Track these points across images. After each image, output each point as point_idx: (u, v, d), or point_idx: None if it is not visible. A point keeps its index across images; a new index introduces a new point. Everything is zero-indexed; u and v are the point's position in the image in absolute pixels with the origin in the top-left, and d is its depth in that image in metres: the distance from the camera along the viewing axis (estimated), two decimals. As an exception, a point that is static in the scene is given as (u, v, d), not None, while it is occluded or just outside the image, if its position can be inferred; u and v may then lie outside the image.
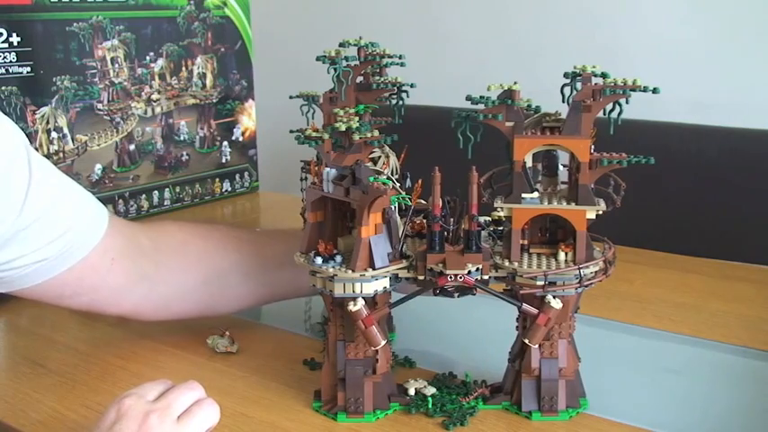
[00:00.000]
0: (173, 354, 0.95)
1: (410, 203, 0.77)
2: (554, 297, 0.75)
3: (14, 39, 1.35)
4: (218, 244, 0.96)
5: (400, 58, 0.94)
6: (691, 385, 0.87)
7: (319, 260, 0.76)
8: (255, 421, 0.79)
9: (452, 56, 2.01)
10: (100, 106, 1.50)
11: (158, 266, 0.91)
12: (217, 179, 1.73)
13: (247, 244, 0.97)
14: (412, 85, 0.93)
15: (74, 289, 0.86)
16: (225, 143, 1.74)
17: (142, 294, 0.91)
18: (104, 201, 1.50)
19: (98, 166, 1.50)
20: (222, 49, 1.70)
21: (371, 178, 0.72)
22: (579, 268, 0.75)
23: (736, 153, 1.48)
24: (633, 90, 0.74)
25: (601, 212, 0.76)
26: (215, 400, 0.83)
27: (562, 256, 0.77)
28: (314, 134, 0.78)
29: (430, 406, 0.79)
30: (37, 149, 1.40)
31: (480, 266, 0.75)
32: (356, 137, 0.77)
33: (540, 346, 0.78)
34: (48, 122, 1.41)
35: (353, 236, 0.77)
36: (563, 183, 0.81)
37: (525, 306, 0.76)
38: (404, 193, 0.74)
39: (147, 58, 1.57)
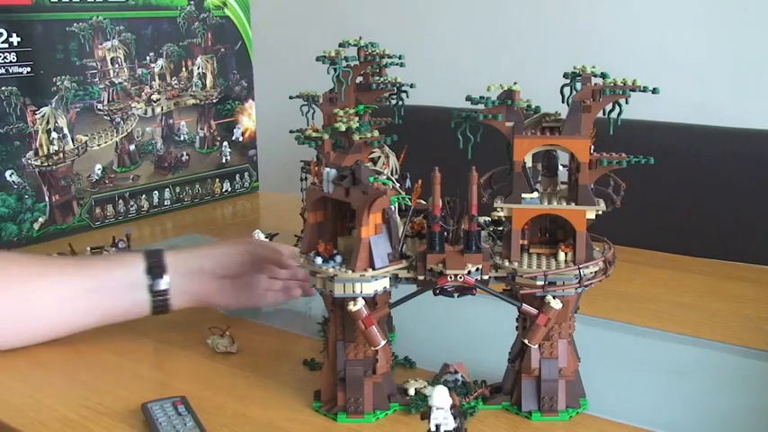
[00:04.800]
0: (173, 354, 0.95)
1: (410, 204, 0.77)
2: (554, 297, 0.75)
3: (14, 39, 1.35)
4: (24, 271, 0.95)
5: (400, 58, 0.94)
6: (691, 385, 0.87)
7: (319, 260, 0.76)
8: (255, 421, 0.79)
9: (452, 56, 2.01)
10: (100, 106, 1.50)
11: None
12: (217, 179, 1.73)
13: (61, 269, 0.96)
14: (412, 86, 0.93)
15: None
16: (225, 143, 1.74)
17: None
18: (104, 201, 1.52)
19: (98, 166, 1.50)
20: (222, 50, 1.70)
21: (371, 178, 0.72)
22: (579, 268, 0.75)
23: (736, 153, 1.48)
24: (633, 90, 0.74)
25: (601, 212, 0.76)
26: (215, 399, 0.83)
27: (562, 256, 0.77)
28: (314, 134, 0.78)
29: (430, 406, 0.79)
30: (37, 150, 1.40)
31: (480, 266, 0.75)
32: (356, 137, 0.77)
33: (539, 346, 0.78)
34: (48, 122, 1.41)
35: (353, 236, 0.77)
36: (563, 183, 0.81)
37: (525, 306, 0.76)
38: (404, 193, 0.74)
39: (147, 58, 1.57)
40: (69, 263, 1.02)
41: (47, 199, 1.42)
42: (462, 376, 0.82)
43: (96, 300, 0.95)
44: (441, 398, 0.65)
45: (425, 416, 0.66)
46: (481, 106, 0.75)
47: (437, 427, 0.65)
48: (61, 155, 1.44)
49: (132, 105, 1.55)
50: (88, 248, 1.22)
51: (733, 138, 1.49)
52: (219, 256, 1.01)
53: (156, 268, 0.96)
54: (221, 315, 1.03)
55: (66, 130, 1.44)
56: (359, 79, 0.95)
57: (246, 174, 1.79)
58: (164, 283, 0.96)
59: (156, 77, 1.59)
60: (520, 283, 0.76)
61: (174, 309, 0.97)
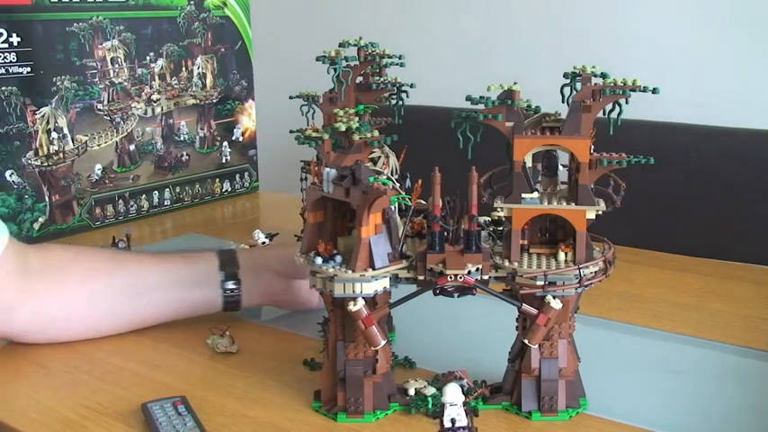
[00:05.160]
0: (173, 354, 0.95)
1: (410, 204, 0.76)
2: (554, 297, 0.75)
3: (14, 39, 1.35)
4: (102, 264, 0.99)
5: (400, 58, 0.94)
6: (690, 385, 0.87)
7: (319, 260, 0.76)
8: (255, 421, 0.79)
9: (452, 56, 2.01)
10: (100, 106, 1.50)
11: (45, 285, 0.94)
12: (217, 179, 1.73)
13: (135, 264, 1.00)
14: (412, 86, 0.93)
15: None
16: (225, 143, 1.74)
17: (30, 312, 0.93)
18: (104, 201, 1.52)
19: (98, 166, 1.50)
20: (222, 49, 1.70)
21: (371, 178, 0.72)
22: (579, 268, 0.75)
23: (736, 153, 1.48)
24: (633, 90, 0.74)
25: (601, 213, 0.76)
26: (215, 400, 0.83)
27: (562, 256, 0.77)
28: (314, 134, 0.78)
29: (430, 406, 0.79)
30: (37, 150, 1.40)
31: (480, 266, 0.75)
32: (356, 137, 0.76)
33: (539, 346, 0.78)
34: (48, 122, 1.41)
35: (353, 236, 0.77)
36: (563, 183, 0.81)
37: (525, 306, 0.76)
38: (404, 193, 0.74)
39: (148, 58, 1.57)
40: (146, 257, 1.03)
41: (47, 199, 1.42)
42: (468, 383, 0.82)
43: (171, 293, 0.98)
44: (453, 395, 0.66)
45: (438, 415, 0.66)
46: (481, 106, 0.75)
47: (452, 421, 0.65)
48: (61, 155, 1.44)
49: (132, 105, 1.55)
50: (88, 248, 1.22)
51: (733, 138, 1.49)
52: (285, 257, 1.02)
53: (229, 266, 0.99)
54: (221, 315, 1.03)
55: (66, 130, 1.44)
56: (359, 79, 0.95)
57: (246, 174, 1.79)
58: (236, 281, 0.99)
59: (156, 77, 1.59)
60: (520, 283, 0.76)
61: (243, 306, 1.01)
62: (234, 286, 0.99)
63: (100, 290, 0.96)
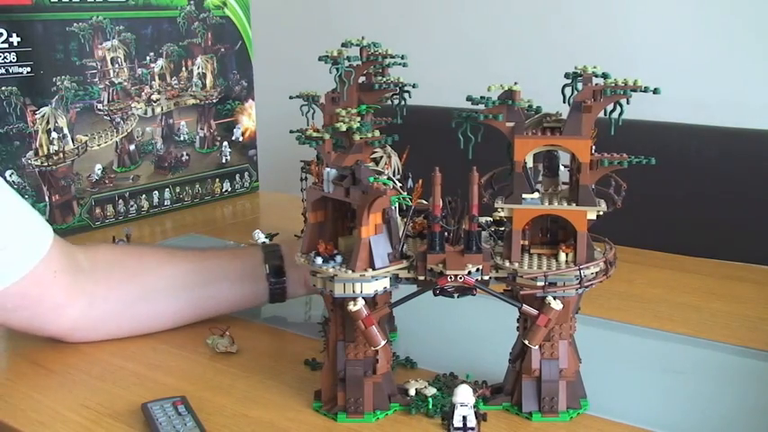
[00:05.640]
0: (173, 354, 0.95)
1: (411, 204, 0.76)
2: (554, 298, 0.75)
3: (14, 39, 1.35)
4: (151, 261, 0.99)
5: (402, 58, 0.94)
6: (691, 385, 0.87)
7: (319, 260, 0.76)
8: (255, 421, 0.79)
9: (453, 56, 2.01)
10: (100, 106, 1.50)
11: (96, 283, 0.94)
12: (217, 179, 1.73)
13: (183, 261, 1.00)
14: (414, 86, 0.93)
15: (16, 302, 0.89)
16: (225, 143, 1.74)
17: (81, 310, 0.93)
18: (104, 201, 1.52)
19: (98, 166, 1.50)
20: (222, 49, 1.70)
21: (371, 178, 0.72)
22: (580, 269, 0.75)
23: (736, 153, 1.48)
24: (634, 90, 0.74)
25: (601, 213, 0.76)
26: (215, 399, 0.83)
27: (563, 256, 0.76)
28: (315, 134, 0.78)
29: (430, 406, 0.79)
30: (37, 150, 1.40)
31: (480, 267, 0.75)
32: (357, 137, 0.76)
33: (540, 346, 0.78)
34: (48, 122, 1.41)
35: (354, 236, 0.77)
36: (564, 183, 0.81)
37: (525, 307, 0.76)
38: (405, 193, 0.74)
39: (147, 58, 1.57)
40: (192, 253, 1.03)
41: (47, 199, 1.42)
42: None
43: (221, 289, 1.00)
44: (465, 395, 0.66)
45: (447, 416, 0.66)
46: (482, 106, 0.75)
47: (464, 418, 0.65)
48: (61, 155, 1.44)
49: (132, 105, 1.55)
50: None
51: (733, 137, 1.49)
52: None
53: (273, 259, 1.01)
54: (221, 315, 1.03)
55: (66, 130, 1.44)
56: (361, 79, 0.94)
57: (246, 174, 1.79)
58: (280, 273, 1.00)
59: (156, 77, 1.59)
60: (520, 283, 0.76)
61: (289, 297, 1.02)
62: (278, 278, 1.00)
63: (150, 287, 0.97)
